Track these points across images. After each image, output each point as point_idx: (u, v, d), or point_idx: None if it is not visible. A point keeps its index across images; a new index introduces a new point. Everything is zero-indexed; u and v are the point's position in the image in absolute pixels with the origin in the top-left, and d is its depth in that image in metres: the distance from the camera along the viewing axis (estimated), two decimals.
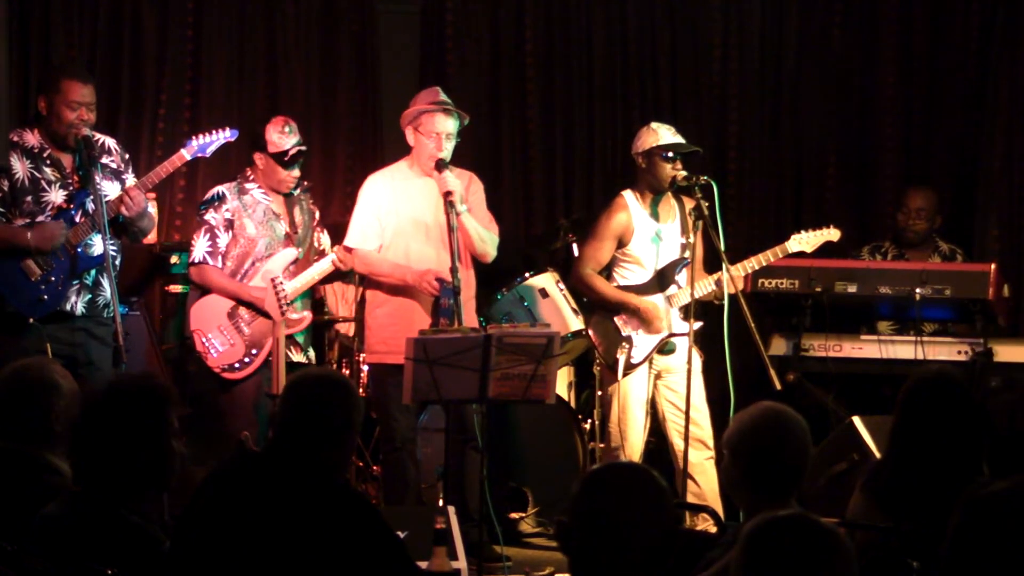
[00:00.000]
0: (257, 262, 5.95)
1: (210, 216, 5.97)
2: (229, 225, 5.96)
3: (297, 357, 5.99)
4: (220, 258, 5.95)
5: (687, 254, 6.05)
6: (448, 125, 5.90)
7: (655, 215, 6.13)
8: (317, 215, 6.23)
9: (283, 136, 5.96)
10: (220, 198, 5.98)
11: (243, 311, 5.92)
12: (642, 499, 2.62)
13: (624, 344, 6.02)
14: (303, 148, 6.01)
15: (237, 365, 5.89)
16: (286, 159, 5.94)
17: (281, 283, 5.72)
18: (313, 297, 6.32)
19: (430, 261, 5.87)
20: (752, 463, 3.44)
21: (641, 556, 2.58)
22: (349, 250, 6.01)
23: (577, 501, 2.65)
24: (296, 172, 6.00)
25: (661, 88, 7.75)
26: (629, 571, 2.58)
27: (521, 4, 7.72)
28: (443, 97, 5.95)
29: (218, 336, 5.90)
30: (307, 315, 6.04)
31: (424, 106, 5.92)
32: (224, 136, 5.83)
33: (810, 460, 3.52)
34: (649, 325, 6.02)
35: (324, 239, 6.23)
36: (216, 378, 5.94)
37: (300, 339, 6.04)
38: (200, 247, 5.96)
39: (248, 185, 6.01)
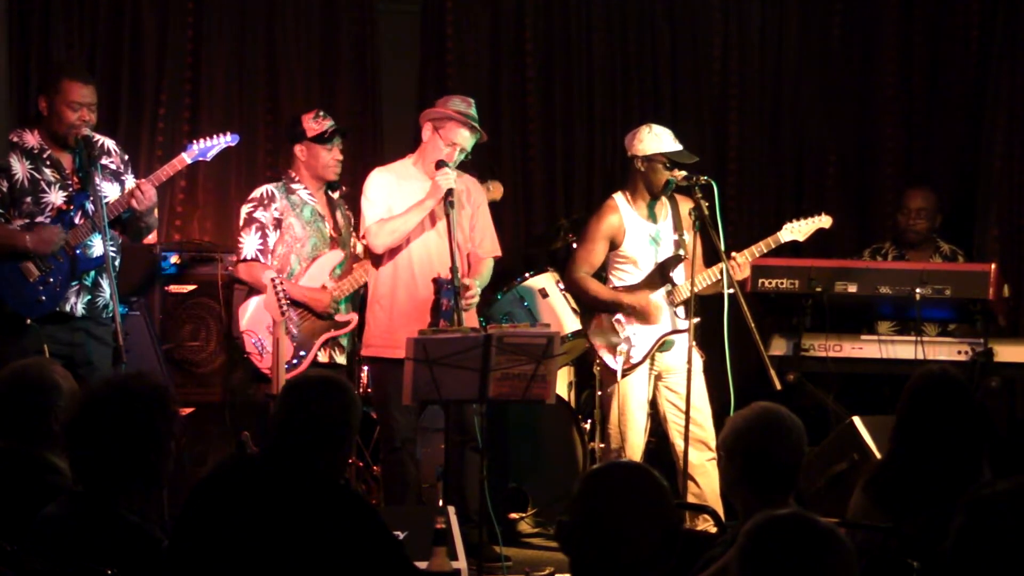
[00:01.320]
0: (303, 262, 5.96)
1: (259, 214, 5.95)
2: (277, 224, 5.96)
3: (340, 359, 6.00)
4: (269, 256, 5.95)
5: (681, 251, 6.04)
6: (468, 141, 5.93)
7: (652, 217, 6.11)
8: (354, 221, 6.22)
9: (320, 120, 6.01)
10: (269, 196, 5.97)
11: (292, 312, 5.85)
12: (643, 499, 2.62)
13: (623, 344, 6.01)
14: (340, 128, 6.08)
15: (287, 366, 5.84)
16: (326, 136, 5.98)
17: (281, 283, 5.69)
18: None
19: (430, 260, 5.87)
20: (748, 463, 3.44)
21: (642, 556, 2.57)
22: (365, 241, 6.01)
23: (578, 501, 2.65)
24: (338, 154, 6.03)
25: (661, 88, 7.75)
26: (630, 571, 2.57)
27: (521, 4, 7.71)
28: (474, 112, 5.96)
29: (268, 337, 5.85)
30: (354, 316, 6.05)
31: (454, 114, 5.92)
32: (225, 140, 5.81)
33: (806, 459, 3.53)
34: (646, 319, 6.00)
35: (359, 246, 6.23)
36: (261, 380, 5.91)
37: (344, 341, 6.04)
38: (251, 244, 5.93)
39: (294, 185, 6.02)
